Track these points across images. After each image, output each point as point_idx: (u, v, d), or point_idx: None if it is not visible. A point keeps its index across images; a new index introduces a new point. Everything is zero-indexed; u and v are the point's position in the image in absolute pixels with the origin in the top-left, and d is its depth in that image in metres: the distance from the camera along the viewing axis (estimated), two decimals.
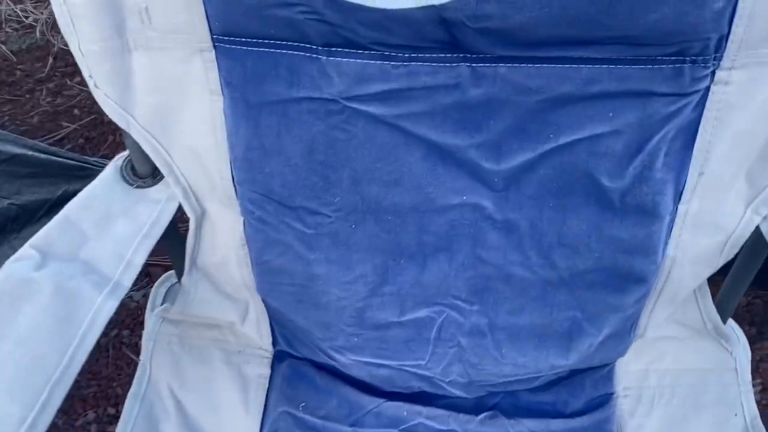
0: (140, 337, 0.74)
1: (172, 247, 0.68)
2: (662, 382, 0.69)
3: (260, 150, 0.56)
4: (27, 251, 0.54)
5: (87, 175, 1.20)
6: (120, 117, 0.57)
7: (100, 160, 1.27)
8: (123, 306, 1.10)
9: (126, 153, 0.63)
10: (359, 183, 0.57)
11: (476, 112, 0.52)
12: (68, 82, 1.60)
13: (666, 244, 0.57)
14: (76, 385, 1.18)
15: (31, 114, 1.53)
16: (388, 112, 0.53)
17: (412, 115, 0.53)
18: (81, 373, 1.25)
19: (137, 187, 0.62)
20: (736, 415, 0.68)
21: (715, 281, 0.66)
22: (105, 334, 1.24)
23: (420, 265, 0.61)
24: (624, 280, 0.58)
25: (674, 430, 0.68)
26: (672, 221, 0.56)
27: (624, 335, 0.63)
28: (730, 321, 0.70)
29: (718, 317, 0.66)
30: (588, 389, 0.68)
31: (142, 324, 0.75)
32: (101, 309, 0.54)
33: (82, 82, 1.57)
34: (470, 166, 0.55)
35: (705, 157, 0.53)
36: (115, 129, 1.49)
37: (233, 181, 0.59)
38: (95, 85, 0.54)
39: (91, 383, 1.17)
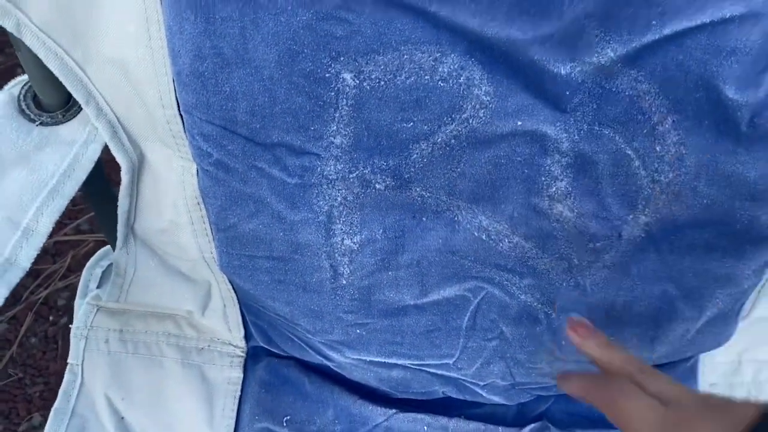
0: None
1: (100, 209, 0.50)
2: (759, 376, 0.53)
3: (215, 58, 0.37)
4: None
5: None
6: (5, 14, 0.38)
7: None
8: (76, 289, 0.95)
9: (25, 77, 0.44)
10: (364, 105, 0.38)
11: None
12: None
13: None
14: (19, 383, 1.01)
15: None
16: None
17: None
18: (24, 369, 1.08)
19: (41, 123, 0.43)
20: None
21: None
22: (53, 322, 1.07)
23: (450, 224, 0.43)
24: (741, 240, 0.41)
25: None
26: None
27: (731, 318, 0.46)
28: None
29: None
30: None
31: None
32: None
33: None
34: (530, 73, 0.37)
35: None
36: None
37: (179, 108, 0.41)
38: None
39: (36, 381, 1.02)
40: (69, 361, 0.56)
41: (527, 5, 0.35)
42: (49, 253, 1.15)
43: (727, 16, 0.34)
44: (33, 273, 1.11)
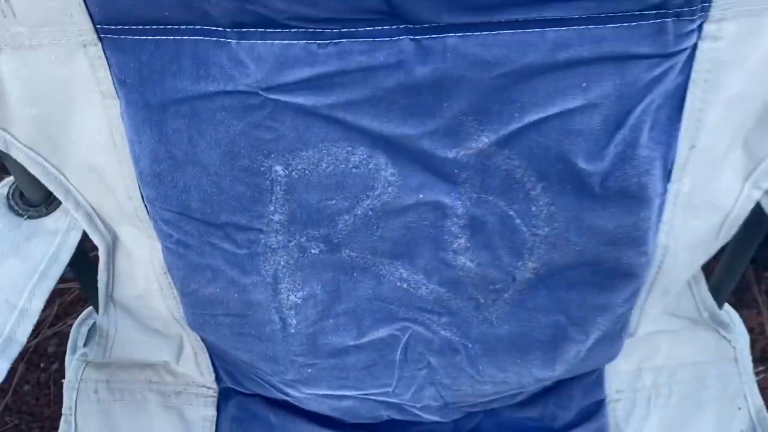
0: None
1: (84, 281, 0.58)
2: (658, 380, 0.62)
3: (170, 160, 0.46)
4: None
5: None
6: None
7: None
8: (64, 336, 1.02)
9: (11, 178, 0.52)
10: (294, 189, 0.47)
11: (425, 94, 0.43)
12: None
13: (657, 231, 0.49)
14: (16, 430, 1.08)
15: None
16: (320, 102, 0.43)
17: (349, 103, 0.43)
18: (20, 416, 1.14)
19: (28, 217, 0.52)
20: (739, 408, 0.61)
21: (706, 264, 0.59)
22: (44, 369, 1.13)
23: (376, 277, 0.52)
24: (611, 276, 0.50)
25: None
26: (662, 205, 0.48)
27: (615, 337, 0.55)
28: (726, 306, 0.63)
29: (714, 304, 0.59)
30: (577, 398, 0.61)
31: None
32: None
33: None
34: (424, 158, 0.46)
35: (696, 127, 0.45)
36: None
37: (144, 201, 0.49)
38: None
39: (32, 426, 1.07)
40: (63, 411, 0.64)
41: (414, 109, 0.44)
42: None
43: (572, 107, 0.44)
44: None
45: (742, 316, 1.04)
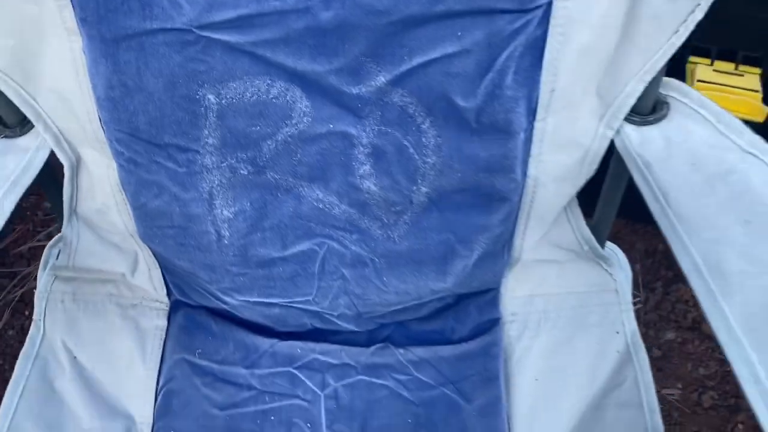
0: None
1: (52, 197, 0.68)
2: (547, 306, 0.72)
3: (122, 88, 0.56)
4: None
5: None
6: None
7: None
8: None
9: None
10: (225, 116, 0.57)
11: (330, 36, 0.53)
12: None
13: (526, 163, 0.59)
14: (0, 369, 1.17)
15: None
16: (243, 40, 0.53)
17: (268, 42, 0.53)
18: (3, 357, 1.22)
19: (5, 137, 0.61)
20: (617, 332, 0.71)
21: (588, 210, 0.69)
22: (29, 317, 1.23)
23: (297, 198, 0.62)
24: (487, 199, 0.60)
25: (560, 351, 0.71)
26: (529, 140, 0.58)
27: (497, 256, 0.65)
28: (611, 245, 0.73)
29: (593, 239, 0.69)
30: (474, 315, 0.70)
31: None
32: None
33: None
34: (333, 92, 0.56)
35: (554, 74, 0.55)
36: None
37: (101, 123, 0.59)
38: None
39: (14, 366, 1.16)
40: (33, 318, 0.73)
41: (321, 48, 0.54)
42: (24, 257, 1.31)
43: (450, 52, 0.53)
44: (10, 275, 1.28)
45: (675, 292, 1.15)
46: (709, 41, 0.95)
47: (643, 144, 0.56)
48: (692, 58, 0.96)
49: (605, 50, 0.54)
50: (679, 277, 1.28)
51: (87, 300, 0.73)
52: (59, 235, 0.76)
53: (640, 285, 1.30)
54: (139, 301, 0.74)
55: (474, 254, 0.63)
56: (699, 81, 0.96)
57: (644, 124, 0.57)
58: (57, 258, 0.73)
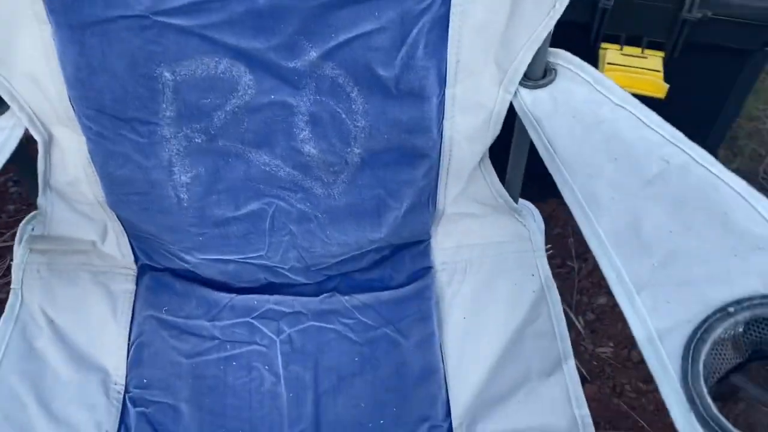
0: None
1: (24, 172, 0.75)
2: (472, 255, 0.82)
3: (88, 69, 0.64)
4: None
5: None
6: None
7: None
8: None
9: None
10: (180, 91, 0.66)
11: (267, 18, 0.62)
12: None
13: (440, 124, 0.69)
14: None
15: None
16: (193, 23, 0.62)
17: (214, 24, 0.63)
18: None
19: None
20: (532, 275, 0.81)
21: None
22: None
23: (246, 162, 0.71)
24: (410, 157, 0.71)
25: (484, 293, 0.81)
26: (442, 104, 0.68)
27: (423, 208, 0.76)
28: (525, 201, 0.84)
29: (506, 194, 0.79)
30: (408, 264, 0.81)
31: None
32: None
33: None
34: (273, 67, 0.65)
35: (458, 46, 0.65)
36: None
37: (71, 101, 0.67)
38: None
39: None
40: (11, 287, 0.81)
41: (260, 29, 0.63)
42: None
43: (369, 29, 0.64)
44: None
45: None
46: (618, 29, 1.07)
47: (534, 103, 0.67)
48: (603, 45, 1.09)
49: (498, 25, 0.65)
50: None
51: (61, 269, 0.81)
52: (33, 213, 0.84)
53: (573, 256, 1.42)
54: (109, 269, 0.82)
55: (403, 206, 0.74)
56: (609, 63, 1.08)
57: (536, 88, 0.68)
58: (32, 231, 0.80)
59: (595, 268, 1.42)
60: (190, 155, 0.70)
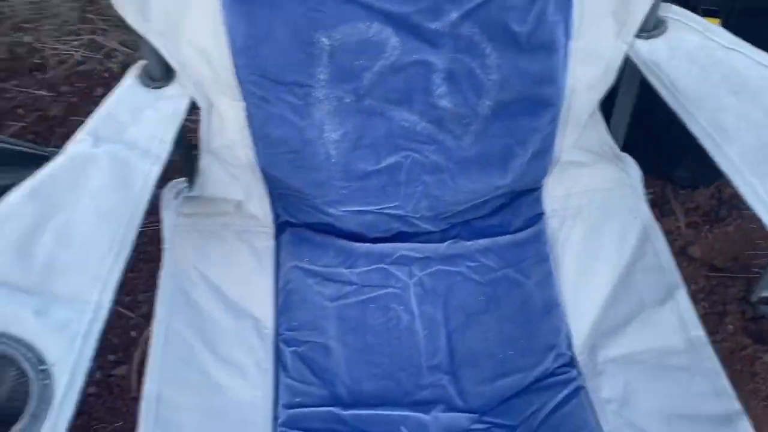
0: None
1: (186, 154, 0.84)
2: (580, 202, 0.90)
3: (255, 38, 0.73)
4: (82, 136, 0.69)
5: (43, 161, 1.30)
6: (140, 24, 0.72)
7: (54, 149, 1.37)
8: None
9: (139, 65, 0.78)
10: (334, 55, 0.74)
11: None
12: (6, 86, 1.65)
13: (564, 74, 0.77)
14: None
15: None
16: None
17: None
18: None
19: (154, 87, 0.78)
20: (635, 217, 0.89)
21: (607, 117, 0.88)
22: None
23: (388, 119, 0.79)
24: (537, 106, 0.78)
25: (593, 236, 0.89)
26: (567, 56, 0.76)
27: (544, 154, 0.83)
28: (623, 152, 0.92)
29: (612, 142, 0.87)
30: (524, 210, 0.89)
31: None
32: (149, 173, 0.70)
33: (20, 84, 1.65)
34: (416, 28, 0.73)
35: (582, 1, 0.73)
36: (62, 122, 1.58)
37: (235, 71, 0.75)
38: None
39: None
40: (164, 246, 0.88)
41: None
42: None
43: None
44: None
45: (662, 223, 1.36)
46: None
47: (651, 51, 0.75)
48: None
49: None
50: (663, 213, 1.48)
51: (206, 230, 0.89)
52: (174, 181, 0.92)
53: None
54: (250, 227, 0.90)
55: (528, 153, 0.82)
56: None
57: (650, 38, 0.76)
58: (183, 193, 0.88)
59: None
60: (340, 114, 0.78)
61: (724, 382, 0.74)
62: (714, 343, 1.34)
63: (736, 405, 0.72)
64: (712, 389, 0.74)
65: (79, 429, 1.16)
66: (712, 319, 1.38)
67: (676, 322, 0.81)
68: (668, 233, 1.45)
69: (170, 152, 0.74)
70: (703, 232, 1.47)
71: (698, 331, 0.79)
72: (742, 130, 0.66)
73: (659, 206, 1.51)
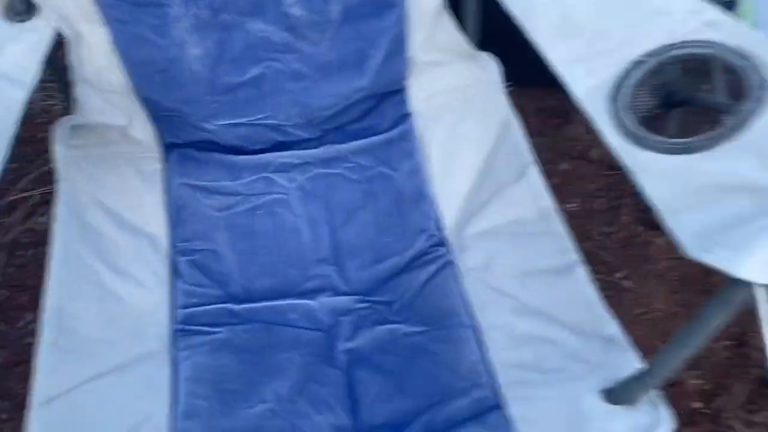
0: None
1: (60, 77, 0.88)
2: (443, 100, 0.97)
3: None
4: None
5: None
6: None
7: None
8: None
9: (2, 1, 0.82)
10: None
11: None
12: None
13: None
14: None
15: None
16: None
17: None
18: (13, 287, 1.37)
19: (18, 21, 0.82)
20: (496, 110, 0.97)
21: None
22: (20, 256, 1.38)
23: (246, 31, 0.85)
24: (383, 6, 0.85)
25: (457, 130, 0.97)
26: None
27: (398, 54, 0.90)
28: (482, 52, 0.99)
29: (465, 40, 0.94)
30: (391, 112, 0.96)
31: None
32: (14, 97, 0.74)
33: None
34: None
35: None
36: None
37: None
38: None
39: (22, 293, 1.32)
40: (56, 179, 0.93)
41: None
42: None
43: None
44: None
45: (565, 130, 1.42)
46: None
47: None
48: None
49: None
50: (566, 122, 1.58)
51: (97, 158, 0.94)
52: (65, 117, 0.96)
53: (533, 133, 1.58)
54: (139, 153, 0.95)
55: (381, 53, 0.88)
56: None
57: None
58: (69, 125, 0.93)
59: (556, 140, 1.57)
60: (198, 30, 0.83)
61: (567, 242, 0.84)
62: (612, 234, 1.46)
63: (575, 256, 0.82)
64: (558, 248, 0.84)
65: None
66: (610, 213, 1.49)
67: (529, 195, 0.90)
68: (572, 140, 1.56)
69: (36, 78, 0.78)
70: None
71: (546, 202, 0.88)
72: (545, 5, 0.74)
73: (563, 116, 1.60)
